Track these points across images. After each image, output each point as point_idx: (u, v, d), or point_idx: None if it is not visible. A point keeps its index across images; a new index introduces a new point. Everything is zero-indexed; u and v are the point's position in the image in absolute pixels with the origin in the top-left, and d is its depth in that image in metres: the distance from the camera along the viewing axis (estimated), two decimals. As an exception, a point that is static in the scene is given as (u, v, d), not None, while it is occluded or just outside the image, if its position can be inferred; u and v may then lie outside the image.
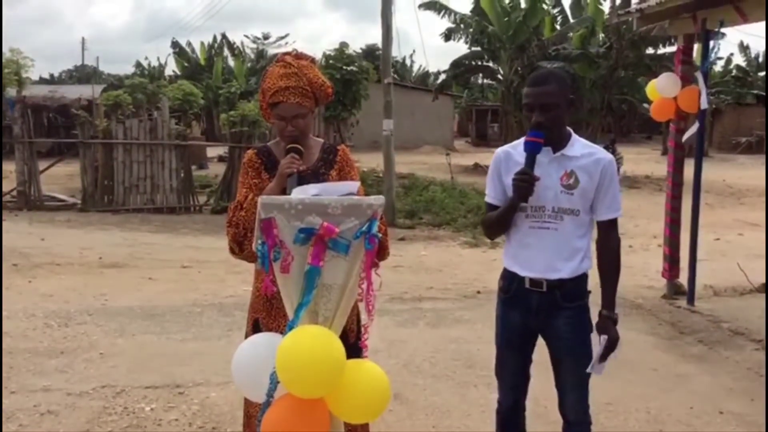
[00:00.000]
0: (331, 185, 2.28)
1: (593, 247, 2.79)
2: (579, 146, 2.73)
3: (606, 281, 2.78)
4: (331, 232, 1.96)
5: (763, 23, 6.19)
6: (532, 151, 2.64)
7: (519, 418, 3.02)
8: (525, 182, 2.61)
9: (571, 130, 2.76)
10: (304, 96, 2.64)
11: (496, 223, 2.82)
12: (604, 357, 2.71)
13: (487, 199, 2.87)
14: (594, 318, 2.81)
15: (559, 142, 2.71)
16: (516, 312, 2.82)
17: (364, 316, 2.11)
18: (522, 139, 2.73)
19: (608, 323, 2.72)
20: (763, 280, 7.14)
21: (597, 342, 2.71)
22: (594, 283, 2.82)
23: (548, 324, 2.78)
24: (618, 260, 2.80)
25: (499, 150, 2.89)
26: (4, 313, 5.99)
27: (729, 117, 36.36)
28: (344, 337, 2.11)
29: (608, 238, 2.78)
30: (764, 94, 31.24)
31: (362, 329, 2.35)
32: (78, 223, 12.12)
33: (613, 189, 2.73)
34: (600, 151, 2.75)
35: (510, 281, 2.82)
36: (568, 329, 2.74)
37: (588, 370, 2.71)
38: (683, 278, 6.99)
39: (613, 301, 2.77)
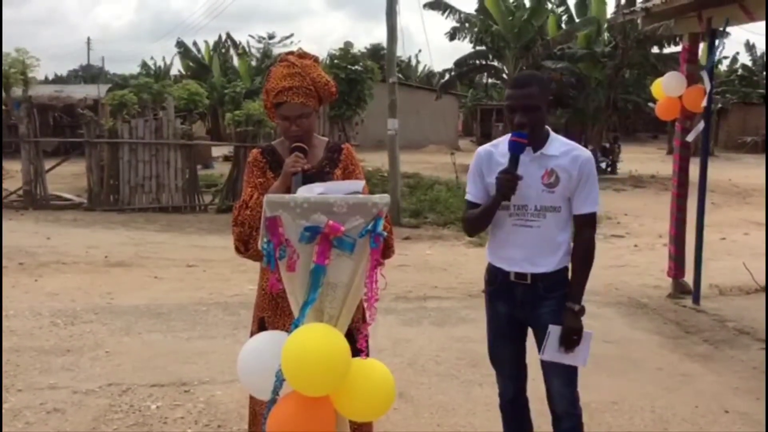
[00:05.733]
0: (336, 184, 2.29)
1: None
2: (558, 144, 2.81)
3: (575, 273, 2.84)
4: (336, 231, 1.96)
5: (768, 22, 6.17)
6: (516, 151, 2.70)
7: (523, 410, 3.06)
8: (509, 181, 2.67)
9: (550, 129, 2.84)
10: (308, 95, 2.65)
11: (478, 221, 2.88)
12: (570, 347, 2.75)
13: (468, 197, 2.93)
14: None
15: (538, 142, 2.78)
16: (502, 303, 2.92)
17: (368, 315, 2.11)
18: (502, 138, 2.83)
19: (568, 314, 2.76)
20: (769, 280, 7.12)
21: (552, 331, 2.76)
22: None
23: (533, 315, 2.85)
24: (589, 255, 2.83)
25: (480, 149, 2.96)
26: (10, 312, 6.03)
27: (735, 116, 36.28)
28: (350, 335, 2.12)
29: (581, 233, 2.84)
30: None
31: (361, 330, 2.37)
32: (84, 222, 12.15)
33: (590, 185, 2.79)
34: (577, 149, 2.83)
35: (494, 275, 2.93)
36: (551, 318, 2.79)
37: (540, 356, 2.79)
38: (689, 277, 6.98)
39: (579, 294, 2.81)
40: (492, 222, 2.85)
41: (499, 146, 2.85)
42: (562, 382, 2.85)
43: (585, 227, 2.83)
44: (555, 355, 2.77)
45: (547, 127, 2.82)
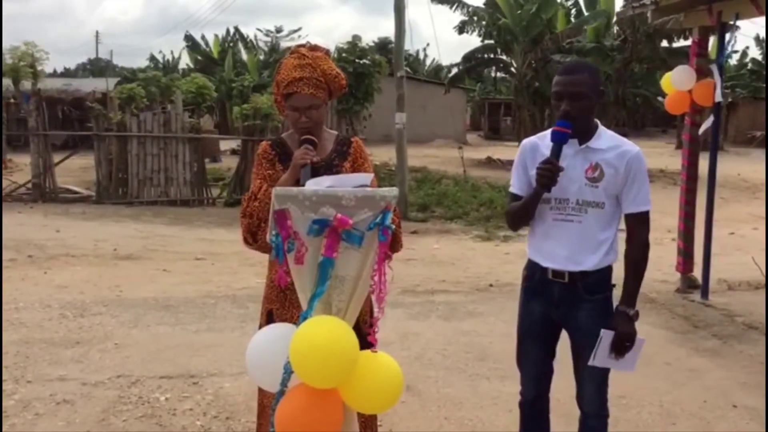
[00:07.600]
0: (344, 177, 2.29)
1: (622, 240, 2.74)
2: (606, 138, 2.70)
3: (627, 276, 2.74)
4: (344, 224, 1.96)
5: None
6: (558, 140, 2.60)
7: (542, 412, 2.98)
8: (549, 171, 2.57)
9: (599, 122, 2.72)
10: (318, 87, 2.65)
11: (519, 214, 2.78)
12: (622, 353, 2.68)
13: (511, 189, 2.83)
14: None
15: (585, 134, 2.67)
16: (537, 302, 2.80)
17: (377, 308, 2.11)
18: (549, 131, 2.68)
19: (622, 318, 2.68)
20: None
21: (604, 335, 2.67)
22: (617, 276, 2.79)
23: (570, 316, 2.75)
24: (642, 256, 2.73)
25: (526, 141, 2.86)
26: (20, 304, 6.07)
27: (744, 111, 36.04)
28: (357, 328, 2.13)
29: (634, 233, 2.72)
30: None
31: (372, 323, 2.36)
32: (92, 215, 12.20)
33: (639, 182, 2.68)
34: (627, 144, 2.71)
35: (533, 271, 2.80)
36: (590, 322, 2.70)
37: (589, 362, 2.69)
38: (697, 272, 6.96)
39: (632, 297, 2.72)
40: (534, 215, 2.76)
41: (546, 138, 2.71)
42: (596, 387, 2.79)
43: (637, 227, 2.71)
44: (605, 361, 2.68)
45: (596, 120, 2.71)
